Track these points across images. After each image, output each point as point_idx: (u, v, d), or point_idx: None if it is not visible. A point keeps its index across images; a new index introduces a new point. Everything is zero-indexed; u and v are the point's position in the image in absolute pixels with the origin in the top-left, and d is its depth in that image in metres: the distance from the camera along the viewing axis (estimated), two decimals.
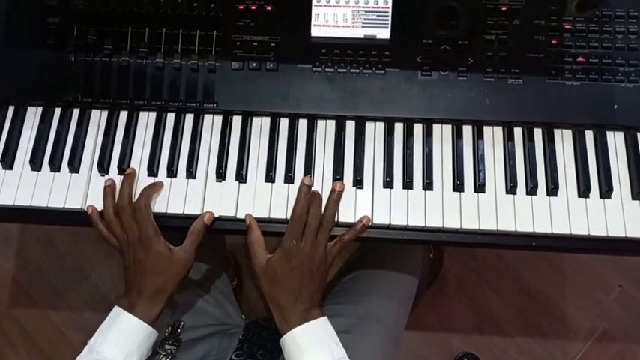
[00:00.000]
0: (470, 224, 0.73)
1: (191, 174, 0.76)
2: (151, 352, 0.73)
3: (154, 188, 0.74)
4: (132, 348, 0.69)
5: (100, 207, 0.74)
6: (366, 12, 0.78)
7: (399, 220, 0.73)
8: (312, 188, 0.74)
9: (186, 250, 0.72)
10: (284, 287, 0.71)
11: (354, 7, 0.78)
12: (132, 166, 0.77)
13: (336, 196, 0.72)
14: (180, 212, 0.74)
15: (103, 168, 0.76)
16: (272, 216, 0.74)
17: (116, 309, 0.71)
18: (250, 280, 0.66)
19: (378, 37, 0.78)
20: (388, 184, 0.75)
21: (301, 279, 0.70)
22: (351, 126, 0.78)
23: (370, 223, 0.73)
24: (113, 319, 0.70)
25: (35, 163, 0.77)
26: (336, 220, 0.73)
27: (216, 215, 0.74)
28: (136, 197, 0.73)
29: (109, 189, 0.74)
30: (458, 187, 0.74)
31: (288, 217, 0.73)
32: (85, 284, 1.49)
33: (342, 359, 0.69)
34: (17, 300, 1.50)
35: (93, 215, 0.74)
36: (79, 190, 0.76)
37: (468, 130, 0.77)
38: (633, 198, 0.73)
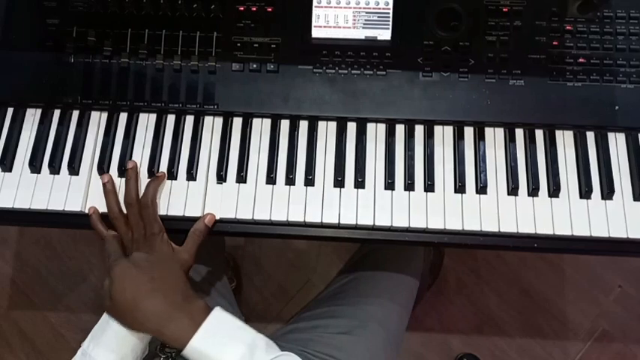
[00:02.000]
0: (472, 226, 0.72)
1: (192, 176, 0.75)
2: (147, 351, 0.72)
3: (157, 181, 0.73)
4: (126, 351, 0.68)
5: (100, 208, 0.74)
6: (366, 13, 0.78)
7: (400, 222, 0.73)
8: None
9: (187, 251, 0.72)
10: (145, 299, 0.65)
11: (354, 8, 0.77)
12: None
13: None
14: (181, 214, 0.74)
15: (103, 170, 0.76)
16: (273, 218, 0.73)
17: None
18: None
19: (379, 38, 0.78)
20: (390, 185, 0.74)
21: (153, 283, 0.67)
22: (352, 127, 0.77)
23: (211, 222, 0.73)
24: (105, 322, 0.69)
25: (34, 165, 0.76)
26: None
27: (217, 217, 0.74)
28: (141, 192, 0.73)
29: (109, 185, 0.73)
30: (459, 188, 0.74)
31: (290, 220, 0.73)
32: (83, 286, 1.48)
33: (254, 341, 0.65)
34: (16, 302, 1.49)
35: (93, 216, 0.73)
36: (78, 192, 0.75)
37: (469, 132, 0.77)
38: (635, 199, 0.73)
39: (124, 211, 0.73)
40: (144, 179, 0.75)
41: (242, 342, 0.64)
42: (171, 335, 0.65)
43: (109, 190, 0.73)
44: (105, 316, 0.70)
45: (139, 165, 0.76)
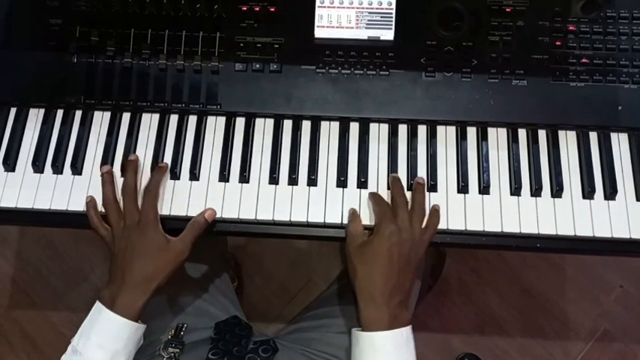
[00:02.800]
0: (474, 226, 0.72)
1: (194, 176, 0.75)
2: (142, 341, 0.72)
3: (161, 171, 0.74)
4: (117, 348, 0.67)
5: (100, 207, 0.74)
6: (369, 13, 0.78)
7: None
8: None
9: (182, 241, 0.71)
10: (379, 272, 0.67)
11: (357, 8, 0.77)
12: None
13: (421, 184, 0.72)
14: (184, 214, 0.74)
15: None
16: (276, 218, 0.74)
17: (97, 305, 0.69)
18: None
19: (382, 38, 0.78)
20: None
21: (398, 262, 0.68)
22: (355, 127, 0.77)
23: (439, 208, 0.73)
24: (95, 318, 0.68)
25: (37, 165, 0.76)
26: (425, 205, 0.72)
27: (220, 217, 0.74)
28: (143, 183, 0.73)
29: (107, 175, 0.73)
30: (462, 188, 0.74)
31: (293, 220, 0.73)
32: (84, 285, 1.48)
33: None
34: (17, 302, 1.49)
35: (89, 203, 0.73)
36: (81, 192, 0.75)
37: (472, 132, 0.77)
38: (638, 199, 0.73)
39: (120, 203, 0.72)
40: (147, 179, 0.75)
41: None
42: (373, 315, 0.67)
43: (106, 180, 0.73)
44: (95, 308, 0.69)
45: (141, 165, 0.76)
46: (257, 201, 0.74)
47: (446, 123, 0.77)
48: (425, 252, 0.71)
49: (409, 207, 0.72)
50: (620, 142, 0.76)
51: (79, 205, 0.75)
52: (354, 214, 0.73)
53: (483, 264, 1.47)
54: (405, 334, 0.67)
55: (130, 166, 0.74)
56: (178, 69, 0.78)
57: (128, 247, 0.69)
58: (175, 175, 0.76)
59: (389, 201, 0.73)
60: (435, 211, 0.72)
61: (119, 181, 0.75)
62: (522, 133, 0.77)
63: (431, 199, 0.74)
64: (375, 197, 0.73)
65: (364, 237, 0.70)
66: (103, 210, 0.73)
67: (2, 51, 0.79)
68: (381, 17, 0.78)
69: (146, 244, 0.69)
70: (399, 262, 0.68)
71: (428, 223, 0.71)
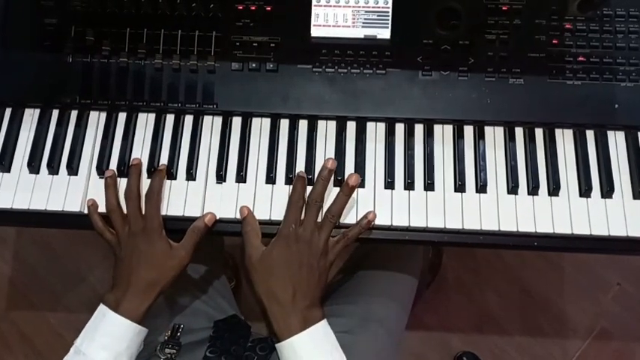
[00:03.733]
0: (471, 225, 0.72)
1: (191, 175, 0.75)
2: (142, 347, 0.72)
3: (161, 174, 0.73)
4: (120, 349, 0.68)
5: (100, 208, 0.74)
6: (366, 12, 0.77)
7: (400, 221, 0.73)
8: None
9: (184, 248, 0.72)
10: (281, 279, 0.68)
11: (354, 7, 0.77)
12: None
13: (347, 190, 0.71)
14: (181, 214, 0.74)
15: (102, 170, 0.76)
16: (273, 217, 0.73)
17: (101, 308, 0.70)
18: (245, 279, 0.64)
19: (379, 37, 0.78)
20: (389, 184, 0.74)
21: (300, 270, 0.69)
22: (351, 127, 0.77)
23: (375, 219, 0.72)
24: (99, 319, 0.69)
25: (33, 166, 0.76)
26: (341, 216, 0.71)
27: (217, 217, 0.74)
28: (145, 188, 0.73)
29: (110, 180, 0.74)
30: (459, 187, 0.74)
31: None
32: (82, 286, 1.48)
33: None
34: (14, 303, 1.49)
35: (91, 208, 0.73)
36: (77, 192, 0.75)
37: (469, 131, 0.77)
38: (634, 197, 0.73)
39: (123, 207, 0.73)
40: (143, 180, 0.75)
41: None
42: (283, 322, 0.68)
43: (109, 184, 0.73)
44: (99, 311, 0.70)
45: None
46: (254, 201, 0.74)
47: (443, 122, 0.77)
48: (334, 259, 0.71)
49: (320, 216, 0.71)
50: (616, 141, 0.76)
51: (75, 206, 0.74)
52: (247, 215, 0.72)
53: (482, 263, 1.47)
54: (320, 329, 0.69)
55: (133, 170, 0.74)
56: (174, 68, 0.78)
57: (134, 254, 0.70)
58: (172, 175, 0.76)
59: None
60: (367, 221, 0.71)
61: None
62: (519, 132, 0.77)
63: (428, 199, 0.74)
64: (292, 193, 0.72)
65: (261, 250, 0.70)
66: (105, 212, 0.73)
67: None
68: (378, 16, 0.77)
69: (151, 251, 0.70)
70: (300, 271, 0.69)
71: (346, 233, 0.71)
